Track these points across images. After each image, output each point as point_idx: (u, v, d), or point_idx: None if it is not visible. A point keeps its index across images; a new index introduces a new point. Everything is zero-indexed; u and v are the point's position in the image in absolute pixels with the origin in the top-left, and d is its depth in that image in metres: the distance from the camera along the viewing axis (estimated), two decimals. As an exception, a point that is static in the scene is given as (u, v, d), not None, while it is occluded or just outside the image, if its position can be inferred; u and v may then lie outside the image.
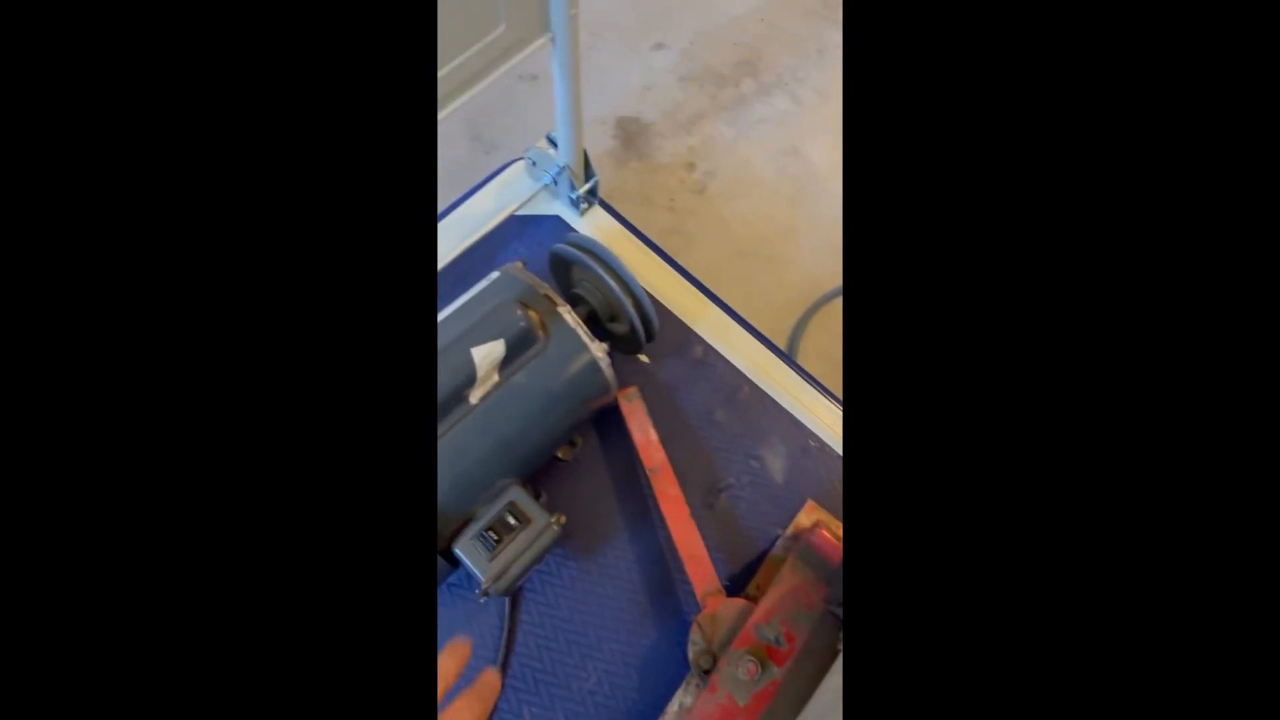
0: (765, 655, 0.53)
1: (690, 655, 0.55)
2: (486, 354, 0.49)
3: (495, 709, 0.57)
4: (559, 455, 0.65)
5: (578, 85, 0.62)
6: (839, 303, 0.96)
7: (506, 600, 0.58)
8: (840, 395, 0.71)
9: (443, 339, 0.50)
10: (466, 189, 0.93)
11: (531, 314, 0.53)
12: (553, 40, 0.56)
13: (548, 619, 0.60)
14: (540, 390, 0.53)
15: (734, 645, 0.54)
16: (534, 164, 0.76)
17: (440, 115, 0.52)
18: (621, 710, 0.58)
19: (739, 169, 1.04)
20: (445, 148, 1.03)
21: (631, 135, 1.05)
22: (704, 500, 0.66)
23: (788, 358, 0.73)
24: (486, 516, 0.50)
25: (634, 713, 0.58)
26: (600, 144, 1.04)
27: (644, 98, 1.08)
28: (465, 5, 0.48)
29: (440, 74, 0.49)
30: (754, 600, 0.57)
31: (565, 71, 0.59)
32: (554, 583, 0.62)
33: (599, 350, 0.55)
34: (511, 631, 0.58)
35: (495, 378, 0.51)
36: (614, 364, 0.57)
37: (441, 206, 0.82)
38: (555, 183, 0.75)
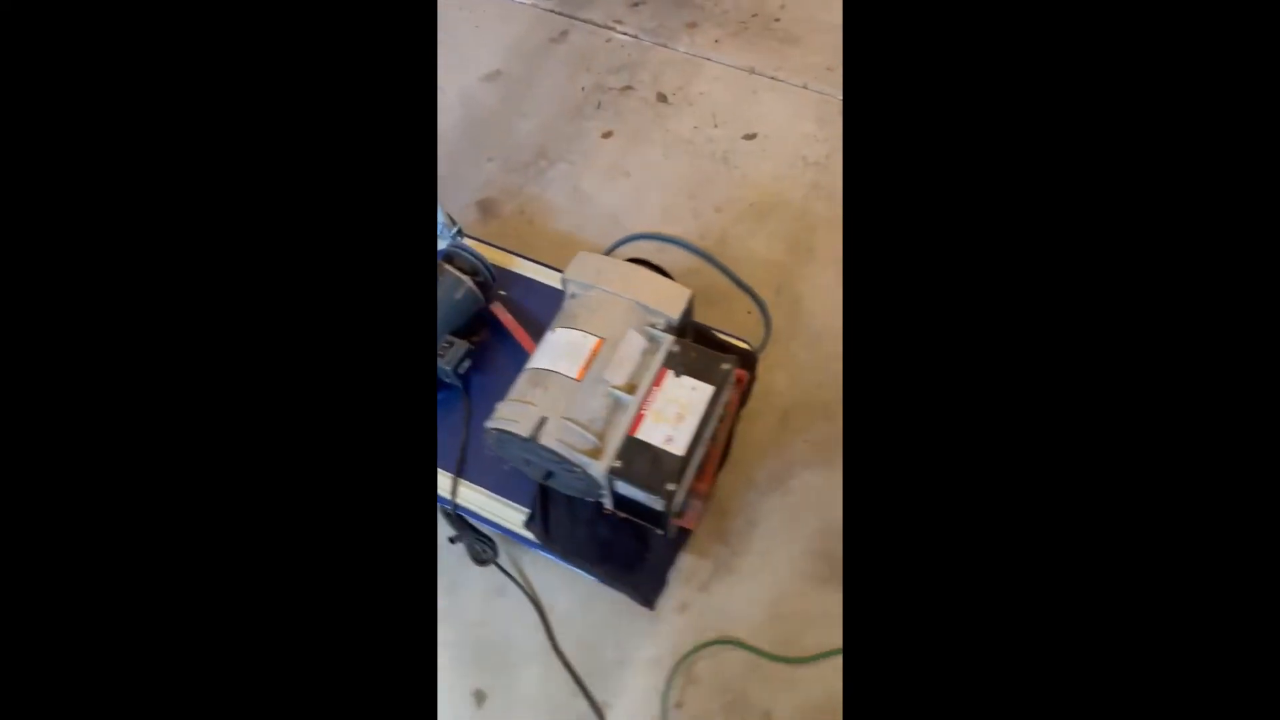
0: (565, 372, 1.38)
1: (539, 383, 1.39)
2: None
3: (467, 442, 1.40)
4: (474, 341, 1.50)
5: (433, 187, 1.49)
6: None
7: (463, 395, 1.42)
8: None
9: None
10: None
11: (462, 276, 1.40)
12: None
13: (481, 395, 1.44)
14: (456, 299, 1.39)
15: (553, 372, 1.38)
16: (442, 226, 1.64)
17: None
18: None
19: (548, 207, 1.94)
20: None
21: (486, 208, 1.95)
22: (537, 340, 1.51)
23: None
24: (449, 350, 1.35)
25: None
26: (471, 216, 1.93)
27: (489, 187, 1.99)
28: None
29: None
30: (565, 363, 1.42)
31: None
32: (482, 383, 1.46)
33: (471, 282, 1.42)
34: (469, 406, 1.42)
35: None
36: (490, 296, 1.43)
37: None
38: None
